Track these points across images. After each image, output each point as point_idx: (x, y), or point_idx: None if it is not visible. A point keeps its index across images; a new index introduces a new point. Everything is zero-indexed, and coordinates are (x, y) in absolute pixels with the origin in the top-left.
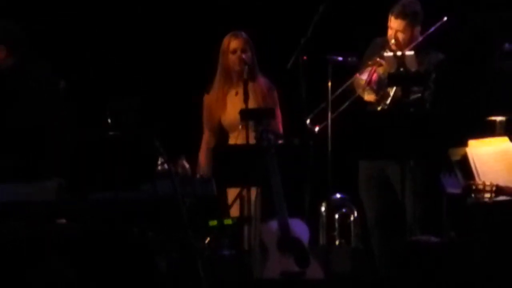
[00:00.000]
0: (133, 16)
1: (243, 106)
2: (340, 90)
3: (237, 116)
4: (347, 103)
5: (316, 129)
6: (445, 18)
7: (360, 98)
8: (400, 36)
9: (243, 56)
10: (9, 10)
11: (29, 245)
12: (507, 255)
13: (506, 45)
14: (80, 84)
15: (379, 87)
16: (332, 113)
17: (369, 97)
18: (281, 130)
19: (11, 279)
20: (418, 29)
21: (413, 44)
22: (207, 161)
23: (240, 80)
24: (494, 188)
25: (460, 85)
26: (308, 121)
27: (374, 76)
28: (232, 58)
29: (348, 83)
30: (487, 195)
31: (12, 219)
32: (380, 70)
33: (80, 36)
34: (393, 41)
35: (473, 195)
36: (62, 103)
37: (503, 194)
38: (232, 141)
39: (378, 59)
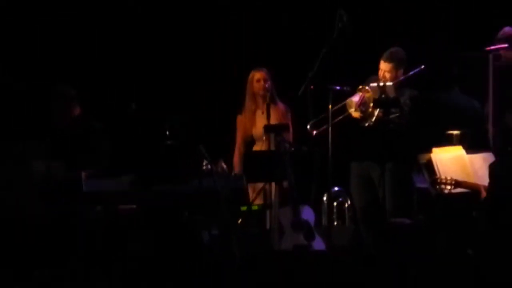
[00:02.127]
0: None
1: (267, 123)
2: (336, 107)
3: (262, 130)
4: (339, 118)
5: (314, 132)
6: (423, 66)
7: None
8: (387, 75)
9: (265, 84)
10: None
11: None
12: (461, 233)
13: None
14: (144, 106)
15: (365, 108)
16: (328, 124)
17: (355, 114)
18: (292, 140)
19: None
20: (401, 71)
21: (396, 81)
22: (240, 163)
23: (264, 103)
24: (453, 182)
25: (427, 110)
26: (308, 126)
27: (362, 100)
28: (257, 85)
29: (342, 104)
30: (448, 187)
31: (98, 204)
32: (367, 96)
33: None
34: (381, 79)
35: (437, 187)
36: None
37: (459, 187)
38: (257, 148)
39: (366, 87)
